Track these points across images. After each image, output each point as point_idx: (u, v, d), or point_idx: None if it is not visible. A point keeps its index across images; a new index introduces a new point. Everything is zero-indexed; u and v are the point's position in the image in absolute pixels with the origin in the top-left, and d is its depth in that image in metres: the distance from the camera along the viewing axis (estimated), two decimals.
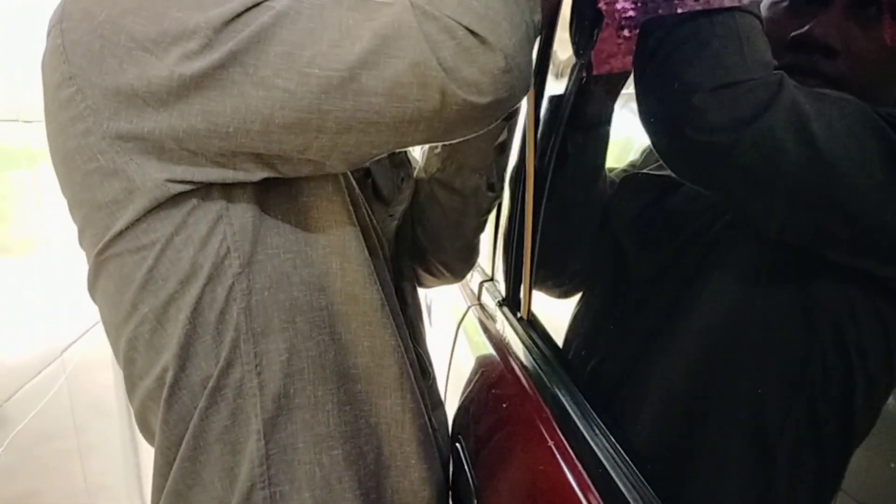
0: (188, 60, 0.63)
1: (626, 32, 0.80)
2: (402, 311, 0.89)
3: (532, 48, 0.70)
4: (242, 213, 0.71)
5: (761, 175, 0.65)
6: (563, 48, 0.96)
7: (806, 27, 0.69)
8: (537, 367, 0.95)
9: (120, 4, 0.65)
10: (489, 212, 1.02)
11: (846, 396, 0.62)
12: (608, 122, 0.94)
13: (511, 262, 1.15)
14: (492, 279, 1.41)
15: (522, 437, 0.87)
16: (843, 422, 0.63)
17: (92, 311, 0.79)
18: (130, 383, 0.78)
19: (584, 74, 0.92)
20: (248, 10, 0.63)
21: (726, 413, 0.70)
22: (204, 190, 0.69)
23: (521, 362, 1.01)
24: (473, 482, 0.93)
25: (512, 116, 0.92)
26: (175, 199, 0.69)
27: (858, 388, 0.62)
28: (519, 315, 1.11)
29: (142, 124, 0.65)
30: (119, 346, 0.76)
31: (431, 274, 1.05)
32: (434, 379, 0.97)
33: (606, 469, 0.69)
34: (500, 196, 1.02)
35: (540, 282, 1.07)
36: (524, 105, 0.96)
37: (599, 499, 0.68)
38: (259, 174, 0.69)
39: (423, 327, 1.00)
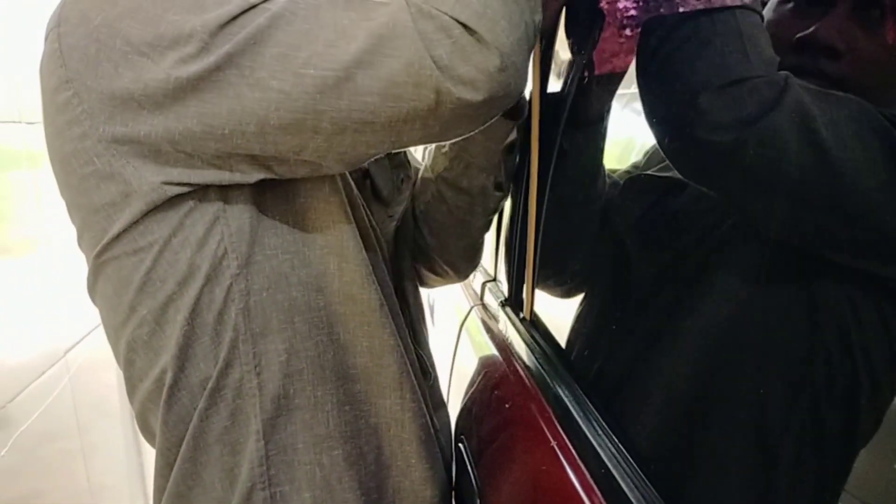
0: (184, 64, 0.63)
1: (627, 31, 0.80)
2: (403, 312, 0.89)
3: (531, 48, 0.70)
4: (240, 215, 0.71)
5: (766, 174, 0.65)
6: (565, 48, 0.96)
7: (810, 29, 0.69)
8: (540, 367, 0.95)
9: (116, 8, 0.65)
10: (496, 211, 1.02)
11: (850, 397, 0.62)
12: (610, 120, 0.94)
13: (513, 263, 1.15)
14: (494, 279, 1.41)
15: (525, 438, 0.87)
16: (847, 422, 0.62)
17: (94, 312, 0.79)
18: (130, 385, 0.78)
19: (586, 74, 0.92)
20: (243, 12, 0.63)
21: (729, 413, 0.70)
22: (200, 192, 0.69)
23: (524, 362, 1.01)
24: (476, 482, 0.93)
25: (520, 116, 0.92)
26: (172, 202, 0.69)
27: (862, 388, 0.61)
28: (521, 315, 1.11)
29: (137, 128, 0.65)
30: (119, 348, 0.77)
31: (435, 273, 1.05)
32: (435, 379, 0.97)
33: (609, 469, 0.69)
34: (507, 196, 1.02)
35: (542, 282, 1.07)
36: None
37: (602, 499, 0.68)
38: (255, 176, 0.70)
39: (426, 328, 1.00)
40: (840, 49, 0.67)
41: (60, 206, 0.76)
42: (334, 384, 0.76)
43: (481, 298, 1.46)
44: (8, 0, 1.93)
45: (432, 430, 0.86)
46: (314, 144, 0.66)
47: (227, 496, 0.75)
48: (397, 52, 0.62)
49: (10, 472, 1.67)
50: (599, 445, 0.73)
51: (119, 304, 0.73)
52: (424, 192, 0.99)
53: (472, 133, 0.72)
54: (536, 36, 0.71)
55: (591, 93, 0.93)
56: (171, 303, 0.71)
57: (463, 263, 1.04)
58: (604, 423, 0.76)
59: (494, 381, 1.09)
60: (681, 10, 0.68)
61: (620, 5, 0.78)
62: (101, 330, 0.80)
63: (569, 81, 0.95)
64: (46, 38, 0.69)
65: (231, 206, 0.71)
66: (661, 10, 0.71)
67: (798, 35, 0.70)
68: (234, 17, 0.63)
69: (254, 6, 0.63)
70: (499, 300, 1.27)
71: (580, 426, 0.78)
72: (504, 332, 1.18)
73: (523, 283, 1.10)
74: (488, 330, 1.28)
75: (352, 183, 0.81)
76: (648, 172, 0.86)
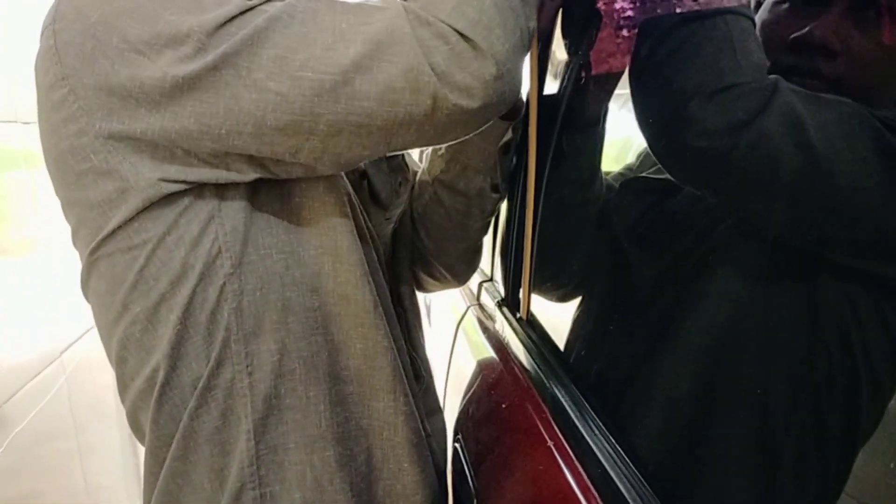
0: (181, 63, 0.63)
1: (624, 32, 0.80)
2: (399, 315, 0.89)
3: (525, 54, 0.71)
4: (234, 214, 0.71)
5: (758, 179, 0.65)
6: (562, 49, 0.96)
7: (805, 29, 0.69)
8: (536, 368, 0.95)
9: (113, 6, 0.65)
10: (493, 213, 1.01)
11: (847, 398, 0.62)
12: (607, 122, 0.94)
13: (510, 263, 1.15)
14: (491, 279, 1.41)
15: (522, 438, 0.87)
16: (846, 423, 0.63)
17: (91, 313, 0.79)
18: (122, 384, 0.78)
19: (583, 74, 0.92)
20: (241, 13, 0.63)
21: (726, 414, 0.70)
22: (196, 190, 0.69)
23: (521, 363, 1.01)
24: (473, 483, 0.93)
25: (515, 117, 0.92)
26: (168, 199, 0.69)
27: (860, 389, 0.61)
28: (518, 315, 1.11)
29: (134, 125, 0.65)
30: (111, 346, 0.76)
31: (434, 278, 1.05)
32: (430, 384, 0.97)
33: (606, 469, 0.69)
34: (504, 198, 1.02)
35: (540, 285, 1.07)
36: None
37: (599, 499, 0.68)
38: (252, 175, 0.70)
39: (422, 332, 1.00)
40: (835, 49, 0.68)
41: (57, 206, 0.76)
42: (327, 385, 0.76)
43: (478, 298, 1.46)
44: (7, 0, 1.93)
45: (423, 435, 0.86)
46: (310, 146, 0.67)
47: (217, 496, 0.74)
48: (395, 57, 0.63)
49: (7, 472, 1.67)
50: (596, 446, 0.73)
51: (112, 302, 0.73)
52: (422, 195, 0.99)
53: (474, 135, 0.73)
54: (531, 42, 0.72)
55: (588, 93, 0.93)
56: (163, 301, 0.71)
57: (461, 267, 1.04)
58: (600, 424, 0.77)
59: (491, 381, 1.09)
60: (678, 10, 0.68)
61: (617, 6, 0.79)
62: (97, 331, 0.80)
63: (566, 82, 0.95)
64: (42, 35, 0.69)
65: (226, 205, 0.71)
66: (658, 10, 0.71)
67: (794, 35, 0.70)
68: (232, 18, 0.63)
69: (251, 8, 0.64)
70: (495, 300, 1.27)
71: (577, 426, 0.78)
72: (501, 332, 1.18)
73: (520, 283, 1.10)
74: (485, 330, 1.28)
75: (348, 183, 0.81)
76: (644, 175, 0.86)
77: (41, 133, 0.72)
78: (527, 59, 0.75)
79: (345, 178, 0.81)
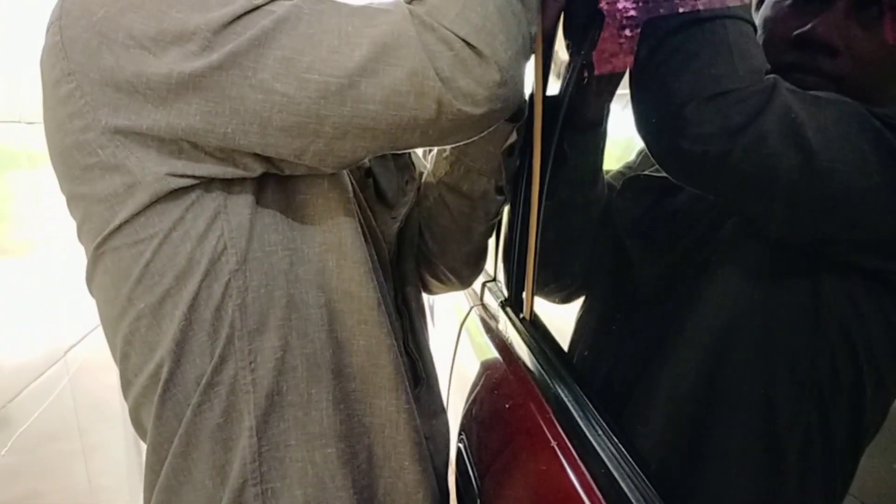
0: (186, 60, 0.63)
1: (627, 32, 0.80)
2: (403, 316, 0.89)
3: (527, 59, 0.72)
4: (240, 210, 0.71)
5: (756, 181, 0.65)
6: (564, 49, 0.96)
7: (808, 26, 0.69)
8: (540, 368, 0.95)
9: (119, 3, 0.65)
10: (497, 216, 1.01)
11: (850, 397, 0.62)
12: (609, 122, 0.94)
13: (513, 263, 1.14)
14: (494, 279, 1.41)
15: (525, 438, 0.87)
16: (849, 422, 0.62)
17: (94, 313, 0.79)
18: (125, 380, 0.78)
19: (586, 75, 0.92)
20: (247, 13, 0.63)
21: (729, 413, 0.70)
22: (204, 185, 0.70)
23: (524, 363, 1.01)
24: (476, 483, 0.93)
25: (519, 119, 0.92)
26: (175, 194, 0.69)
27: (863, 388, 0.61)
28: (521, 315, 1.11)
29: (141, 121, 0.66)
30: (115, 341, 0.76)
31: (438, 280, 1.05)
32: (432, 386, 0.97)
33: (609, 470, 0.69)
34: (508, 200, 1.02)
35: (544, 286, 1.07)
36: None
37: (602, 499, 0.68)
38: (259, 169, 0.70)
39: (426, 334, 1.00)
40: (838, 46, 0.68)
41: (60, 206, 0.76)
42: (329, 382, 0.76)
43: (481, 298, 1.46)
44: (8, 0, 1.93)
45: (423, 435, 0.86)
46: (315, 148, 0.67)
47: (218, 493, 0.75)
48: (401, 61, 0.63)
49: (10, 473, 1.67)
50: (599, 445, 0.73)
51: (116, 297, 0.73)
52: (426, 198, 0.99)
53: (480, 137, 0.73)
54: (532, 47, 0.73)
55: (590, 94, 0.93)
56: (168, 297, 0.71)
57: (466, 270, 1.04)
58: (604, 424, 0.77)
59: (494, 381, 1.09)
60: (680, 10, 0.68)
61: (620, 6, 0.79)
62: (101, 331, 0.80)
63: (568, 83, 0.95)
64: (48, 31, 0.69)
65: (232, 201, 0.71)
66: (661, 10, 0.71)
67: (796, 32, 0.70)
68: (238, 18, 0.63)
69: (258, 7, 0.64)
70: (499, 300, 1.27)
71: (580, 426, 0.78)
72: (504, 332, 1.18)
73: (523, 283, 1.10)
74: (488, 330, 1.28)
75: (353, 181, 0.81)
76: (646, 173, 0.86)
77: (46, 129, 0.72)
78: (531, 60, 0.76)
79: (350, 175, 0.81)
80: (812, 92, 0.65)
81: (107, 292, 0.75)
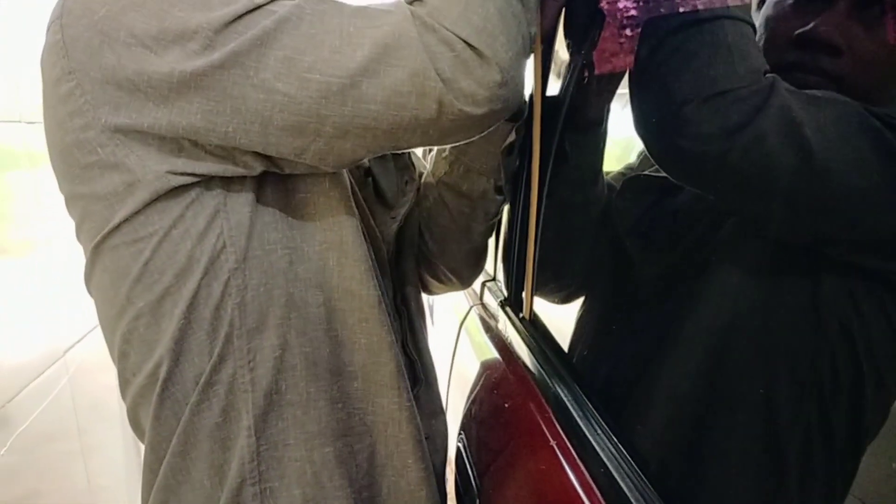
0: (188, 59, 0.63)
1: (628, 31, 0.80)
2: (402, 315, 0.89)
3: (527, 60, 0.72)
4: (240, 209, 0.71)
5: (755, 181, 0.65)
6: (565, 49, 0.96)
7: (810, 25, 0.69)
8: (539, 367, 0.95)
9: (121, 1, 0.65)
10: (497, 215, 1.01)
11: (851, 396, 0.62)
12: (609, 122, 0.94)
13: (513, 263, 1.15)
14: (494, 279, 1.41)
15: (524, 437, 0.87)
16: (849, 422, 0.62)
17: (93, 313, 0.79)
18: (123, 379, 0.78)
19: (587, 74, 0.92)
20: (249, 12, 0.64)
21: (729, 413, 0.70)
22: (204, 183, 0.70)
23: (523, 362, 1.01)
24: (476, 482, 0.93)
25: (518, 118, 0.92)
26: (175, 192, 0.69)
27: (863, 387, 0.61)
28: (521, 315, 1.11)
29: (142, 119, 0.66)
30: (113, 340, 0.76)
31: (439, 280, 1.05)
32: (431, 386, 0.97)
33: (609, 469, 0.69)
34: (507, 200, 1.02)
35: (543, 286, 1.07)
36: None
37: (601, 499, 0.68)
38: (259, 168, 0.70)
39: (426, 334, 1.00)
40: (839, 46, 0.68)
41: (60, 206, 0.76)
42: (328, 381, 0.76)
43: (481, 298, 1.46)
44: (8, 0, 1.93)
45: (423, 434, 0.86)
46: (315, 147, 0.67)
47: (216, 492, 0.74)
48: (402, 62, 0.63)
49: (9, 473, 1.67)
50: (599, 445, 0.73)
51: (115, 296, 0.73)
52: (426, 198, 0.99)
53: (480, 137, 0.73)
54: (532, 47, 0.73)
55: (590, 94, 0.93)
56: (168, 295, 0.71)
57: (466, 270, 1.04)
58: (603, 423, 0.76)
59: (494, 381, 1.09)
60: (681, 10, 0.68)
61: (620, 5, 0.79)
62: (100, 331, 0.80)
63: (569, 82, 0.95)
64: (48, 30, 0.69)
65: (232, 199, 0.71)
66: (661, 10, 0.71)
67: (798, 31, 0.70)
68: (240, 17, 0.64)
69: (260, 7, 0.64)
70: (498, 300, 1.27)
71: (579, 426, 0.78)
72: (504, 331, 1.18)
73: (523, 283, 1.10)
74: (488, 330, 1.28)
75: (352, 180, 0.81)
76: (646, 173, 0.86)
77: (46, 127, 0.72)
78: (530, 60, 0.76)
79: (349, 174, 0.81)
80: (811, 91, 0.65)
81: (105, 291, 0.75)
